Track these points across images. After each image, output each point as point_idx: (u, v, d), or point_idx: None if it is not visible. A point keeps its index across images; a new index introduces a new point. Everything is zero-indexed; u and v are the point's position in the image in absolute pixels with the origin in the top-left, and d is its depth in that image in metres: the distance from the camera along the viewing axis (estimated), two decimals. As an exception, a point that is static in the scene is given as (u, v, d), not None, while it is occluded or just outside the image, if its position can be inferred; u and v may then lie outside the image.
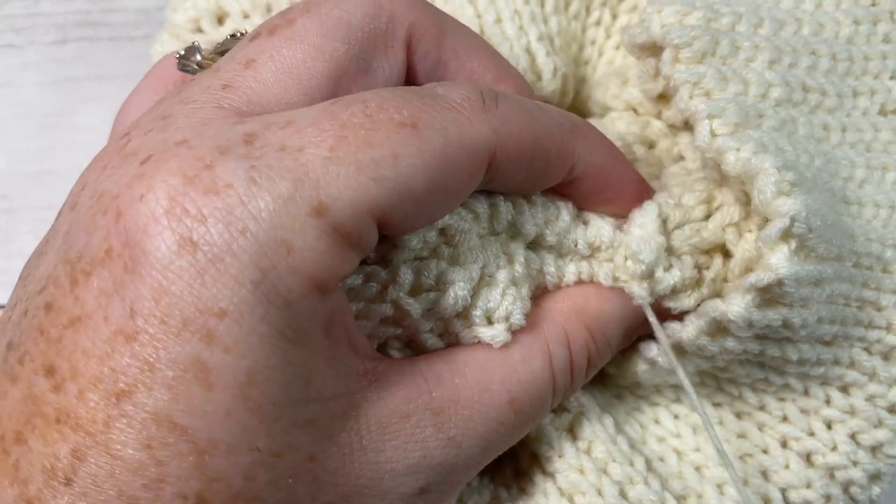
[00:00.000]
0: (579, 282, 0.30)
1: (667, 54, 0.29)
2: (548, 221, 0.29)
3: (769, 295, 0.27)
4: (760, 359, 0.31)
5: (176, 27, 0.37)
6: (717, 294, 0.30)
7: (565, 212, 0.30)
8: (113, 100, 0.49)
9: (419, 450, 0.25)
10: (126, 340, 0.21)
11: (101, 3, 0.51)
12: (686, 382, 0.29)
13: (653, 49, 0.31)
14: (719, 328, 0.29)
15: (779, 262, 0.26)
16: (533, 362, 0.28)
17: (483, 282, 0.28)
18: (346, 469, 0.24)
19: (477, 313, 0.28)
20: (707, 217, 0.30)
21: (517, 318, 0.28)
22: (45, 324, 0.22)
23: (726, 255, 0.30)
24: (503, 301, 0.28)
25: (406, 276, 0.27)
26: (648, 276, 0.29)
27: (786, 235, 0.26)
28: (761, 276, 0.27)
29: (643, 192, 0.31)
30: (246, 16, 0.37)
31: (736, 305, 0.28)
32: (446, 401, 0.26)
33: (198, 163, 0.22)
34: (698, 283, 0.30)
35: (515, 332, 0.28)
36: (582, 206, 0.30)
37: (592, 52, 0.39)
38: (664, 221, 0.29)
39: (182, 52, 0.30)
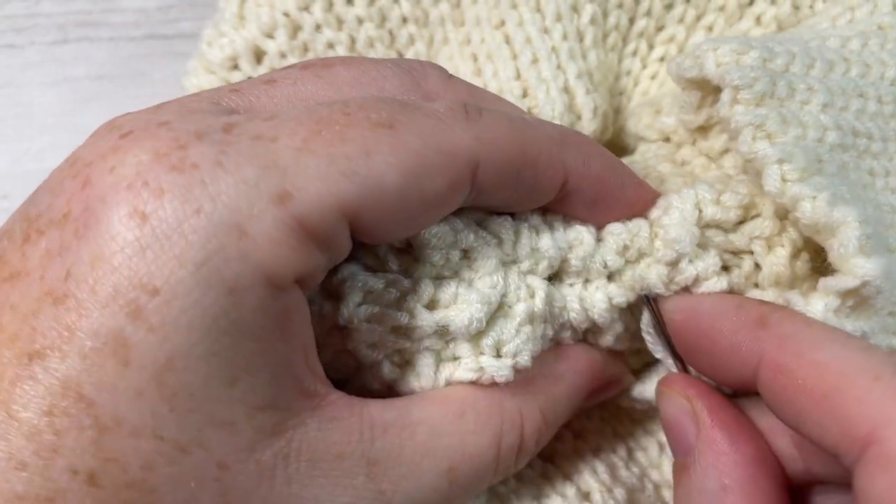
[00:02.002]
0: (610, 308, 0.30)
1: (726, 95, 0.28)
2: (572, 246, 0.29)
3: None
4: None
5: (212, 64, 0.36)
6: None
7: (587, 235, 0.29)
8: (113, 100, 0.50)
9: (349, 496, 0.24)
10: (54, 302, 0.21)
11: (101, 3, 0.50)
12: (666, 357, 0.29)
13: (700, 83, 0.30)
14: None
15: (816, 311, 0.26)
16: (482, 437, 0.27)
17: (500, 311, 0.28)
18: (263, 493, 0.23)
19: (488, 342, 0.27)
20: (741, 222, 0.29)
21: (524, 360, 0.28)
22: None
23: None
24: (516, 337, 0.28)
25: (426, 288, 0.27)
26: (674, 263, 0.28)
27: (848, 294, 0.26)
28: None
29: (645, 195, 0.30)
30: (283, 55, 0.36)
31: None
32: (386, 454, 0.25)
33: (172, 143, 0.22)
34: (725, 269, 0.29)
35: (478, 397, 0.27)
36: (585, 219, 0.29)
37: (628, 82, 0.39)
38: (700, 213, 0.29)
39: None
